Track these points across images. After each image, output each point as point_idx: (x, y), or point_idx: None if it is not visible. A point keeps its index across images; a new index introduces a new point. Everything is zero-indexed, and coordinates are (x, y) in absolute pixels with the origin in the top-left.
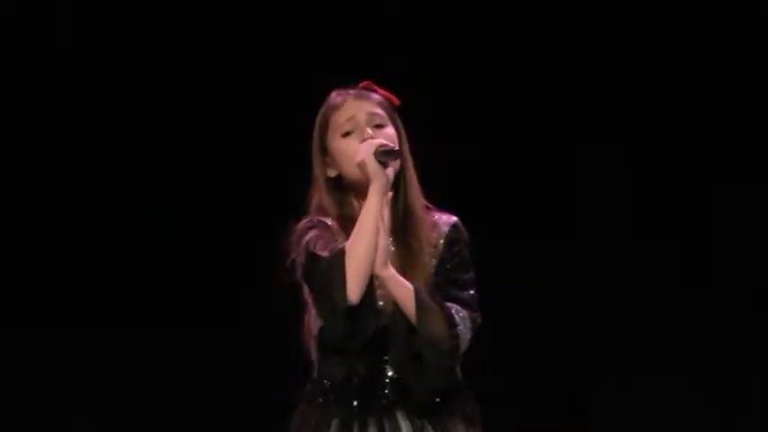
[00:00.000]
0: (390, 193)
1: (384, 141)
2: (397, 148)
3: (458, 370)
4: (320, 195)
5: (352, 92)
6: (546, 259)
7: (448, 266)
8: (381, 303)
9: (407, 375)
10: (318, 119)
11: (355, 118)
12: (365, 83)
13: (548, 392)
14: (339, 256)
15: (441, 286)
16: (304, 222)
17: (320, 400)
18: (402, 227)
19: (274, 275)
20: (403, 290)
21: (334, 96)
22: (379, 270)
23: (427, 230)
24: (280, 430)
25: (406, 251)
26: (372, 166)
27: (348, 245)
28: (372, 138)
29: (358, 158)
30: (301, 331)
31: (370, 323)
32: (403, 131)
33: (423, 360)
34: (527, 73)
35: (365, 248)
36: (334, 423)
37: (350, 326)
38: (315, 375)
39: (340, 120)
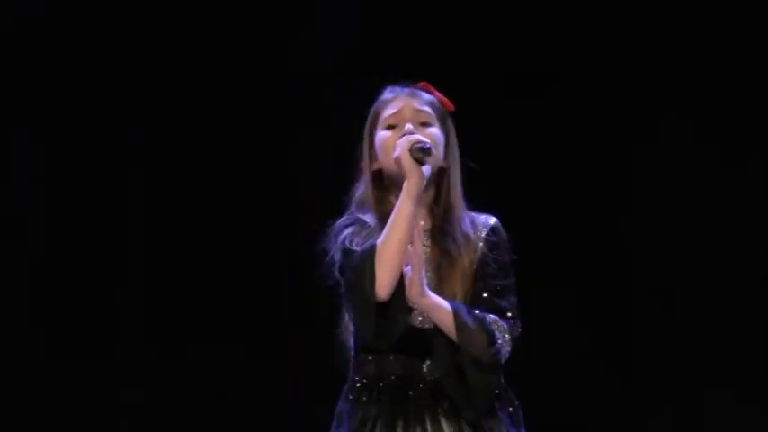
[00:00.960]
0: (430, 194)
1: (421, 138)
2: (430, 146)
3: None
4: (363, 189)
5: (406, 88)
6: None
7: (487, 272)
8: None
9: (452, 390)
10: (370, 113)
11: (401, 112)
12: (422, 83)
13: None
14: (370, 251)
15: (480, 295)
16: (342, 220)
17: (358, 398)
18: (441, 230)
19: (314, 274)
20: (442, 314)
21: (387, 92)
22: (414, 300)
23: (466, 234)
24: (320, 429)
25: (444, 255)
26: (407, 162)
27: (379, 240)
28: (412, 133)
29: (395, 153)
30: (340, 329)
31: (400, 321)
32: (453, 137)
33: (467, 380)
34: None
35: (396, 244)
36: (377, 422)
37: (380, 323)
38: (352, 374)
39: (387, 113)
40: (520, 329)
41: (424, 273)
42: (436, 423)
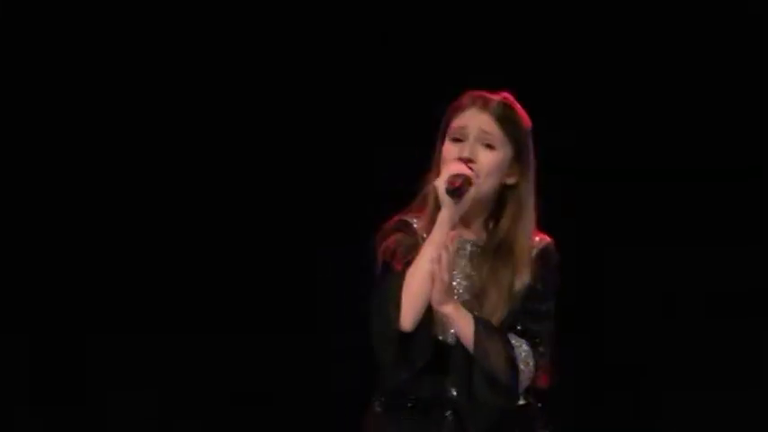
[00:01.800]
0: (488, 209)
1: (458, 174)
2: (463, 183)
3: (529, 394)
4: (430, 184)
5: (481, 99)
6: None
7: (529, 295)
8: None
9: (462, 405)
10: (446, 114)
11: (466, 129)
12: (504, 95)
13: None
14: (399, 278)
15: (516, 315)
16: (391, 223)
17: (383, 416)
18: (495, 250)
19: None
20: (464, 325)
21: (464, 98)
22: (436, 306)
23: (522, 257)
24: None
25: (491, 276)
26: (441, 194)
27: (409, 271)
28: (469, 160)
29: (436, 182)
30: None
31: (423, 355)
32: (528, 153)
33: (476, 394)
34: None
35: (425, 275)
36: None
37: (401, 353)
38: (378, 389)
39: (455, 124)
40: (546, 359)
41: (447, 279)
42: None
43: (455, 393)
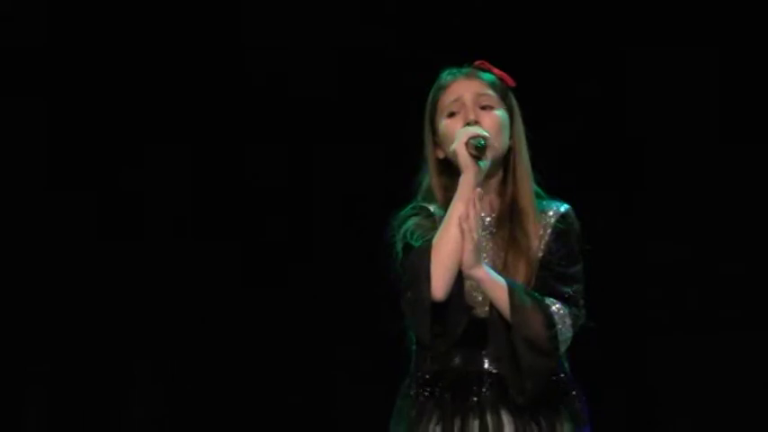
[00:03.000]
0: (499, 176)
1: (477, 132)
2: (488, 139)
3: (566, 366)
4: (429, 178)
5: (462, 71)
6: None
7: (554, 259)
8: (478, 296)
9: (506, 375)
10: (429, 98)
11: (461, 98)
12: (479, 62)
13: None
14: (425, 250)
15: (545, 280)
16: (406, 210)
17: (418, 394)
18: (509, 217)
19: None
20: (497, 289)
21: (445, 76)
22: (468, 270)
23: (534, 221)
24: (381, 424)
25: (511, 243)
26: (463, 157)
27: (435, 240)
28: (475, 122)
29: (452, 146)
30: (401, 321)
31: (459, 322)
32: (517, 114)
33: (519, 361)
34: None
35: (452, 243)
36: (434, 418)
37: (437, 324)
38: (412, 368)
39: (447, 100)
40: (584, 318)
41: (478, 241)
42: (496, 417)
43: (493, 367)
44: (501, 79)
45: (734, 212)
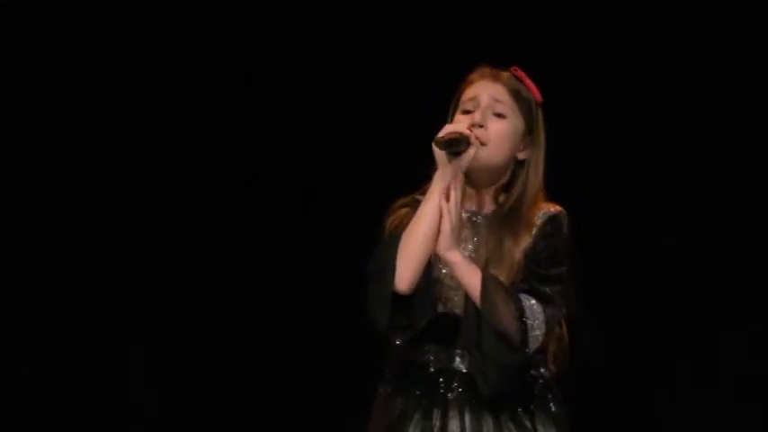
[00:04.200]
0: (502, 182)
1: (454, 129)
2: (466, 137)
3: (542, 370)
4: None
5: (492, 71)
6: None
7: (536, 259)
8: (456, 295)
9: (472, 366)
10: (456, 91)
11: (477, 98)
12: (514, 68)
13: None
14: (393, 242)
15: (525, 280)
16: (401, 200)
17: (396, 385)
18: (502, 220)
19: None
20: (471, 275)
21: (475, 71)
22: (443, 252)
23: (527, 226)
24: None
25: (498, 244)
26: (437, 153)
27: (405, 233)
28: (480, 125)
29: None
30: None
31: (422, 316)
32: (540, 129)
33: (485, 350)
34: None
35: (420, 236)
36: (414, 414)
37: (401, 316)
38: (391, 359)
39: (467, 96)
40: (559, 318)
41: (456, 226)
42: (475, 418)
43: (463, 364)
44: (528, 91)
45: None
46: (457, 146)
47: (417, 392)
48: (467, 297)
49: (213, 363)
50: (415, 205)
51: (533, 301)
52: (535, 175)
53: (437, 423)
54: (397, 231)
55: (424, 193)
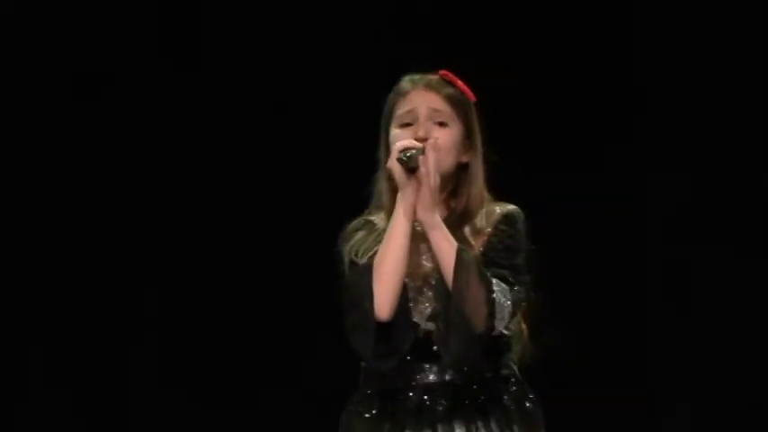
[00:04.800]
0: (449, 188)
1: (409, 144)
2: (418, 149)
3: (514, 368)
4: (380, 181)
5: (423, 79)
6: None
7: (491, 255)
8: (426, 309)
9: (436, 332)
10: (387, 102)
11: (415, 111)
12: (443, 72)
13: None
14: (367, 268)
15: (486, 268)
16: (353, 223)
17: (366, 410)
18: (456, 225)
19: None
20: (446, 243)
21: (404, 82)
22: (422, 215)
23: (478, 227)
24: None
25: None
26: (398, 174)
27: (376, 259)
28: (424, 138)
29: (389, 163)
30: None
31: (404, 339)
32: (476, 129)
33: (451, 315)
34: None
35: (393, 261)
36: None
37: (382, 344)
38: (361, 384)
39: (401, 110)
40: (522, 301)
41: (436, 189)
42: (449, 428)
43: (445, 375)
44: (462, 93)
45: None
46: (411, 161)
47: (395, 410)
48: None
49: None
50: (369, 227)
51: (500, 283)
52: (478, 176)
53: None
54: (365, 259)
55: (375, 207)
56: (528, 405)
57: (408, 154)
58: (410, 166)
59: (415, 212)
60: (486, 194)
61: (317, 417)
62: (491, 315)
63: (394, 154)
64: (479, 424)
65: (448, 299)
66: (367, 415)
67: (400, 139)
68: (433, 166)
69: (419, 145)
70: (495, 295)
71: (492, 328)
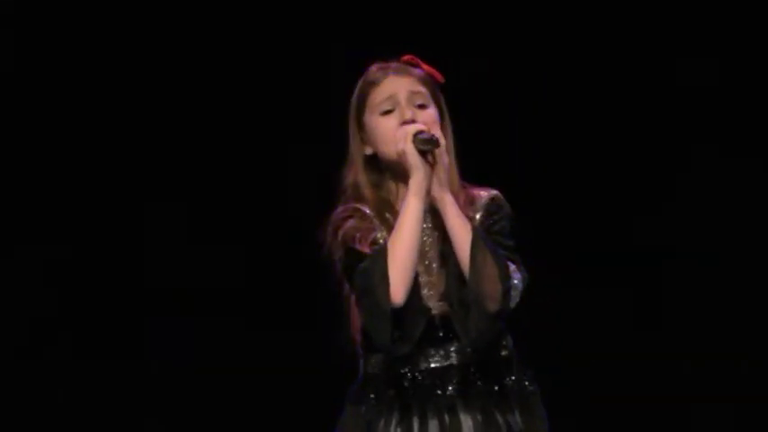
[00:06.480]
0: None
1: (422, 127)
2: (435, 135)
3: (510, 342)
4: (355, 174)
5: (392, 66)
6: None
7: (489, 236)
8: (434, 295)
9: (453, 314)
10: (356, 93)
11: (395, 96)
12: (408, 57)
13: None
14: (380, 254)
15: None
16: (340, 211)
17: (370, 398)
18: (437, 210)
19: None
20: (460, 221)
21: (374, 71)
22: (437, 192)
23: (463, 209)
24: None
25: (442, 234)
26: (413, 157)
27: (390, 242)
28: (412, 121)
29: (399, 147)
30: (346, 326)
31: (417, 324)
32: (445, 110)
33: (468, 294)
34: None
35: (408, 245)
36: (393, 420)
37: (397, 329)
38: (362, 372)
39: (379, 98)
40: (528, 277)
41: (447, 167)
42: (454, 415)
43: (455, 357)
44: (430, 75)
45: None
46: (431, 145)
47: (400, 395)
48: (452, 253)
49: None
50: (359, 214)
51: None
52: (452, 156)
53: (420, 423)
54: (363, 248)
55: (354, 195)
56: (528, 385)
57: (425, 137)
58: (429, 149)
59: (427, 195)
60: (457, 175)
61: (319, 406)
62: (507, 292)
63: (408, 139)
64: (484, 407)
65: (461, 279)
66: (368, 401)
67: (386, 129)
68: (444, 145)
69: (425, 128)
70: (510, 269)
71: (508, 306)
